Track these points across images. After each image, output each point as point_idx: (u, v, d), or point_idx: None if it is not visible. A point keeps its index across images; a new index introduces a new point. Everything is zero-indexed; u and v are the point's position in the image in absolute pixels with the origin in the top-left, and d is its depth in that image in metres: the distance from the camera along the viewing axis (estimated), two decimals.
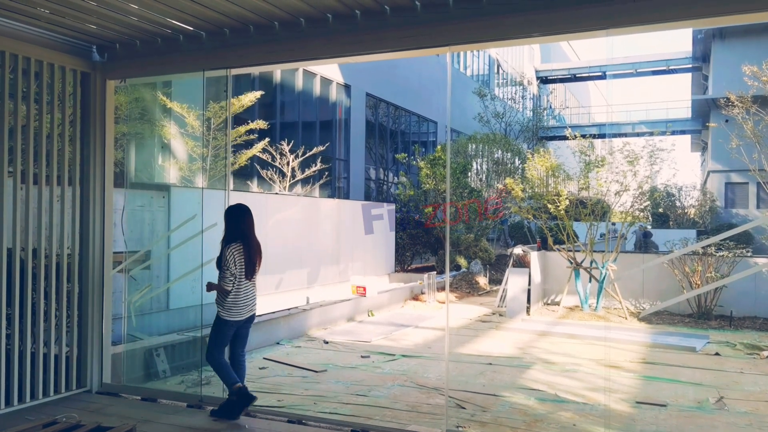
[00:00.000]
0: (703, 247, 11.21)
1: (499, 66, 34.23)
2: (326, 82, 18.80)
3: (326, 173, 16.78)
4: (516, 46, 33.18)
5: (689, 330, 10.66)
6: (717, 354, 8.81)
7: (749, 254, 11.61)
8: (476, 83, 29.33)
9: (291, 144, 14.63)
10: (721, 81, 26.38)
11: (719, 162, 27.11)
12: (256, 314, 5.74)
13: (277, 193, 13.13)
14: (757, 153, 12.38)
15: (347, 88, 19.68)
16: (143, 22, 5.45)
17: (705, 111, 30.09)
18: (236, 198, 9.96)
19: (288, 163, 14.48)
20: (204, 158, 10.57)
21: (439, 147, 18.97)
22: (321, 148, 15.57)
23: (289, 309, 10.16)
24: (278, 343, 9.22)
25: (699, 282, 11.32)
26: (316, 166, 15.01)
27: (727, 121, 13.04)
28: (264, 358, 8.24)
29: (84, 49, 6.08)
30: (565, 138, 25.77)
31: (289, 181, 14.54)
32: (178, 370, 7.32)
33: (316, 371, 7.55)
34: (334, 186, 19.12)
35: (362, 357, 8.45)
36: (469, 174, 18.34)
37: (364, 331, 10.35)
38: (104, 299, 6.14)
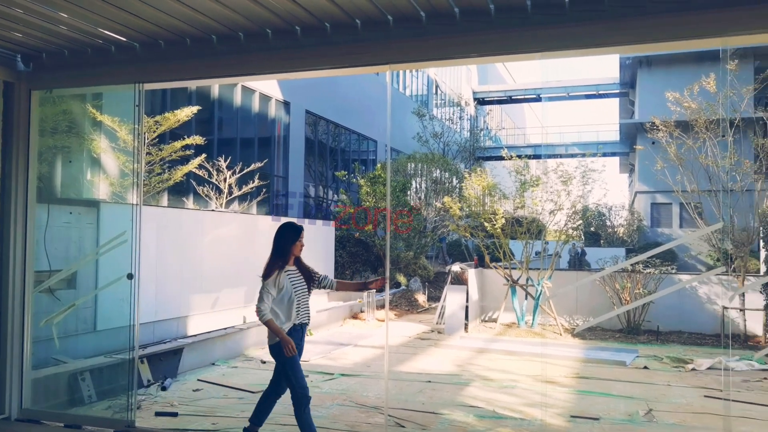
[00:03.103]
0: (631, 265, 11.61)
1: (437, 87, 34.82)
2: (265, 98, 18.63)
3: (264, 190, 16.55)
4: (455, 66, 33.88)
5: (620, 345, 10.99)
6: (646, 367, 9.10)
7: (674, 271, 12.11)
8: (415, 103, 29.71)
9: (228, 160, 14.38)
10: (647, 106, 27.67)
11: (645, 183, 28.31)
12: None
13: (213, 210, 12.84)
14: (680, 175, 12.97)
15: (287, 105, 19.56)
16: (73, 31, 5.25)
17: (632, 134, 31.44)
18: (170, 214, 9.68)
19: (225, 180, 14.21)
20: (137, 173, 10.23)
21: (379, 165, 19.06)
22: (259, 164, 15.37)
23: (225, 329, 9.91)
24: (214, 364, 8.96)
25: (628, 298, 11.71)
26: (253, 182, 14.78)
27: (653, 143, 13.61)
28: (198, 380, 7.98)
29: (8, 58, 5.81)
30: (501, 158, 26.37)
31: (226, 197, 14.26)
32: (105, 395, 6.98)
33: (253, 392, 7.36)
34: (273, 203, 18.88)
35: None
36: (409, 192, 18.47)
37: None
38: (25, 320, 5.81)
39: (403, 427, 6.04)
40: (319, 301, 13.59)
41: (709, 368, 9.00)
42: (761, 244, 11.06)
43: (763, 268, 11.14)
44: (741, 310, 11.32)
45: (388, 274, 6.05)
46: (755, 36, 4.64)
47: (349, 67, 5.57)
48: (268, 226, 12.63)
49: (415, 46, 5.13)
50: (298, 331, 4.95)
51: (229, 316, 10.85)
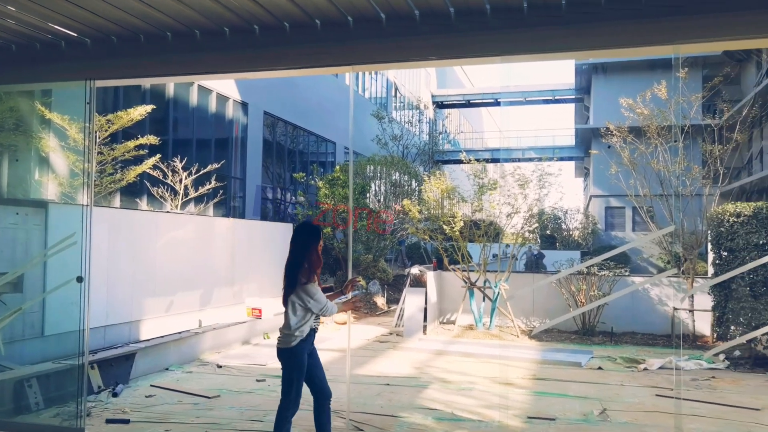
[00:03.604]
0: (587, 267, 11.83)
1: (396, 89, 34.91)
2: (223, 98, 18.36)
3: (221, 192, 16.29)
4: (415, 68, 34.02)
5: (575, 346, 11.18)
6: (600, 368, 9.28)
7: (627, 273, 12.39)
8: (374, 106, 29.72)
9: (184, 161, 14.10)
10: (601, 111, 28.30)
11: (600, 187, 28.94)
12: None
13: (168, 212, 12.57)
14: (633, 179, 13.28)
15: (244, 105, 19.31)
16: (21, 25, 5.06)
17: (587, 139, 32.11)
18: (122, 215, 9.44)
19: (181, 181, 13.93)
20: (87, 173, 9.94)
21: (337, 167, 18.97)
22: (216, 165, 15.13)
23: (180, 333, 9.70)
24: (168, 369, 8.75)
25: (583, 300, 11.93)
26: (210, 184, 14.54)
27: (609, 146, 13.88)
28: (152, 386, 7.78)
29: None
30: (459, 162, 26.55)
31: (182, 199, 13.98)
32: (54, 402, 6.75)
33: (208, 397, 7.22)
34: (230, 205, 18.60)
35: (258, 381, 8.18)
36: (368, 195, 18.43)
37: (260, 354, 10.05)
38: None
39: (362, 430, 6.01)
40: (276, 304, 13.43)
41: (660, 368, 9.23)
42: (709, 247, 11.39)
43: (711, 271, 11.49)
44: (690, 311, 11.65)
45: (350, 273, 6.01)
46: (705, 44, 4.77)
47: (309, 68, 5.52)
48: (225, 228, 12.43)
49: (375, 48, 5.13)
50: (311, 336, 4.80)
51: (184, 320, 10.63)
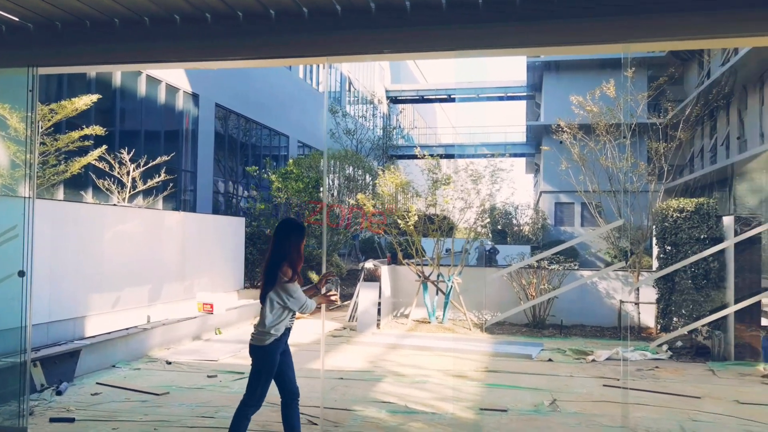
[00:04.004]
0: (537, 261, 12.06)
1: (350, 84, 34.81)
2: (172, 89, 17.93)
3: (171, 185, 15.93)
4: (369, 61, 33.96)
5: (526, 339, 11.38)
6: (550, 360, 9.47)
7: (576, 267, 12.68)
8: (328, 99, 29.57)
9: (132, 153, 13.73)
10: (552, 109, 28.88)
11: (550, 183, 29.54)
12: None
13: (115, 205, 12.22)
14: (583, 175, 13.59)
15: (195, 97, 18.92)
16: None
17: (538, 136, 32.72)
18: (67, 208, 9.13)
19: (128, 173, 13.55)
20: (29, 165, 9.56)
21: (291, 161, 18.81)
22: (165, 158, 14.76)
23: (127, 329, 9.46)
24: (115, 366, 8.52)
25: (534, 293, 12.16)
26: (159, 177, 14.19)
27: (561, 143, 14.16)
28: (98, 383, 7.56)
29: None
30: (413, 157, 26.68)
31: (129, 192, 13.61)
32: None
33: (157, 394, 7.05)
34: (180, 198, 18.23)
35: (209, 377, 8.04)
36: (321, 189, 18.33)
37: (212, 349, 9.89)
38: None
39: (316, 424, 5.97)
40: (228, 299, 13.25)
41: (607, 359, 9.48)
42: (654, 241, 11.76)
43: (655, 264, 11.86)
44: (636, 303, 12.01)
45: (324, 267, 5.96)
46: (653, 44, 4.90)
47: (262, 59, 5.44)
48: (175, 222, 12.17)
49: (330, 40, 5.07)
50: (286, 334, 4.70)
51: (131, 316, 10.38)
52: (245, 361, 9.04)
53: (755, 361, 9.14)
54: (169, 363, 8.81)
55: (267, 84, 23.72)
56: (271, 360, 4.54)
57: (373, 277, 12.80)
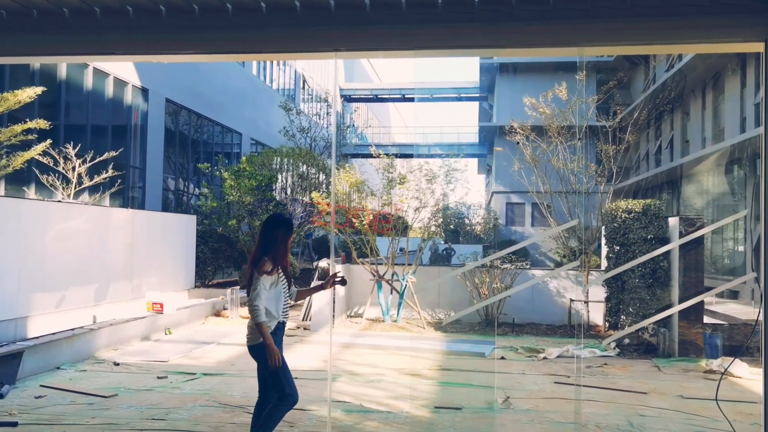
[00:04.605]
0: (490, 261, 12.21)
1: (305, 81, 34.56)
2: (121, 83, 17.43)
3: (119, 182, 15.50)
4: (324, 59, 33.74)
5: (479, 337, 11.51)
6: (503, 358, 9.60)
7: (528, 267, 12.89)
8: (282, 97, 29.28)
9: (78, 148, 13.29)
10: (504, 110, 29.31)
11: (501, 184, 29.98)
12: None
13: (60, 201, 11.81)
14: (535, 176, 13.83)
15: (145, 92, 18.44)
16: None
17: (490, 137, 33.16)
18: (7, 204, 8.77)
19: (74, 169, 13.11)
20: None
21: (244, 158, 18.54)
22: (113, 153, 14.35)
23: (72, 329, 9.15)
24: (59, 368, 8.23)
25: (486, 292, 12.30)
26: (107, 173, 13.78)
27: (518, 143, 14.35)
28: (42, 386, 7.29)
29: None
30: (368, 156, 26.67)
31: (75, 188, 13.17)
32: None
33: (104, 396, 6.84)
34: (128, 195, 17.75)
35: (159, 378, 7.85)
36: (274, 187, 18.11)
37: (161, 350, 9.66)
38: None
39: None
40: (179, 298, 12.97)
41: (558, 356, 9.67)
42: (603, 241, 12.06)
43: (604, 264, 12.17)
44: (585, 302, 12.29)
45: (332, 260, 5.85)
46: (607, 48, 5.01)
47: (217, 54, 5.32)
48: (123, 219, 11.84)
49: (289, 36, 5.00)
50: (280, 330, 4.59)
51: (77, 316, 10.05)
52: (197, 362, 8.88)
53: (698, 358, 9.48)
54: (117, 364, 8.57)
55: (219, 80, 23.32)
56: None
57: (327, 276, 12.71)
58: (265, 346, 4.39)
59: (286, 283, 4.67)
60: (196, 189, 21.83)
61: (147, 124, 18.56)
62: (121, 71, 17.22)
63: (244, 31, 4.97)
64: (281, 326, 4.61)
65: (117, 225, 11.59)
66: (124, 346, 9.84)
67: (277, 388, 4.51)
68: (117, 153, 14.72)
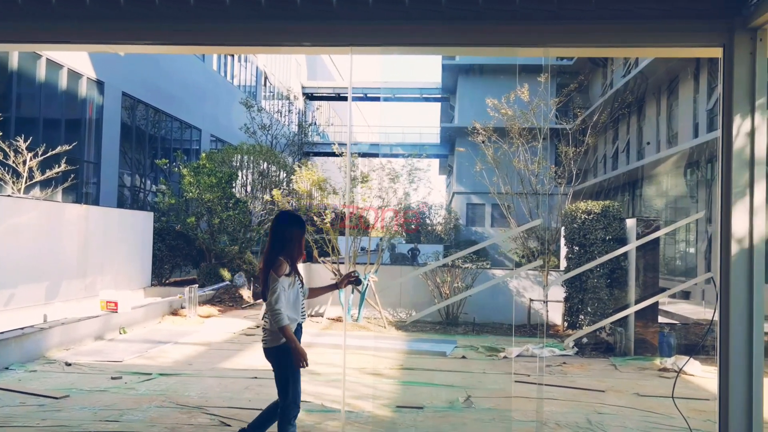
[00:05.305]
0: (452, 261, 12.27)
1: (266, 79, 34.19)
2: (75, 75, 16.92)
3: (72, 176, 15.04)
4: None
5: (440, 336, 11.54)
6: (464, 357, 9.64)
7: (489, 266, 13.00)
8: (243, 93, 28.90)
9: (29, 141, 12.84)
10: (466, 111, 29.52)
11: (462, 185, 30.19)
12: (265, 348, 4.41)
13: (9, 196, 11.38)
14: (496, 177, 13.94)
15: (100, 84, 17.95)
16: None
17: (452, 138, 33.36)
18: None
19: (24, 162, 12.67)
20: None
21: (203, 154, 18.22)
22: (66, 147, 13.91)
23: (22, 328, 8.81)
24: (8, 369, 7.92)
25: (448, 292, 12.35)
26: (59, 167, 13.35)
27: (484, 142, 14.43)
28: None
29: None
30: (330, 154, 26.51)
31: (26, 182, 12.73)
32: None
33: (56, 398, 6.60)
34: (82, 191, 17.25)
35: (113, 378, 7.62)
36: (234, 184, 17.84)
37: (116, 349, 9.39)
38: None
39: (229, 426, 5.77)
40: (134, 296, 12.65)
41: (518, 356, 9.76)
42: (562, 242, 12.24)
43: (563, 264, 12.35)
44: (544, 302, 12.45)
45: (348, 266, 5.73)
46: (572, 49, 5.06)
47: (176, 46, 5.17)
48: (76, 215, 11.49)
49: (251, 28, 4.90)
50: (299, 330, 4.43)
51: (27, 315, 9.70)
52: (152, 362, 8.66)
53: (653, 356, 9.69)
54: (69, 364, 8.29)
55: (179, 75, 22.87)
56: (289, 357, 4.27)
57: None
58: (288, 349, 4.23)
59: (301, 283, 4.55)
60: (154, 185, 21.36)
61: (102, 117, 18.07)
62: (75, 63, 16.72)
63: (206, 22, 4.84)
64: (300, 327, 4.48)
65: (70, 221, 11.24)
66: (77, 345, 9.54)
67: (282, 393, 4.35)
68: (70, 147, 14.28)
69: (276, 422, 4.43)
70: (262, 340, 4.42)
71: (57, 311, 10.41)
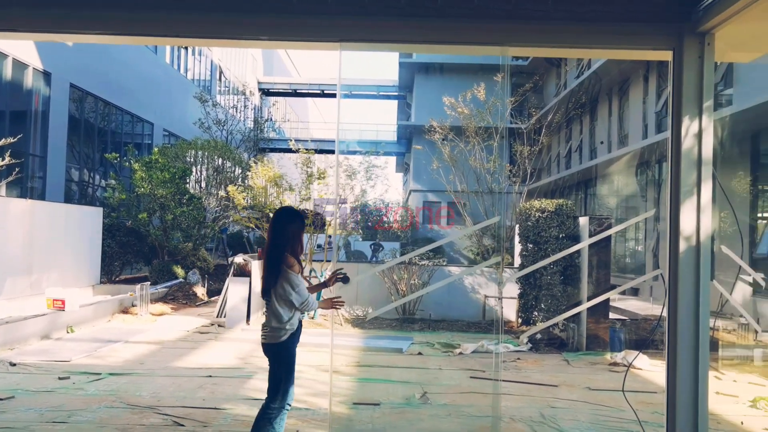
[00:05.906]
0: (410, 259, 12.32)
1: (221, 73, 33.67)
2: (20, 65, 16.31)
3: (17, 170, 14.50)
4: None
5: (396, 333, 11.57)
6: (420, 353, 9.69)
7: (445, 263, 13.10)
8: (198, 88, 28.39)
9: None
10: (423, 109, 29.67)
11: (419, 182, 30.36)
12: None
13: None
14: (453, 175, 14.06)
15: (47, 75, 17.35)
16: None
17: (408, 135, 33.49)
18: None
19: None
20: None
21: (156, 149, 17.82)
22: (11, 140, 13.39)
23: None
24: None
25: (405, 289, 12.39)
26: (3, 160, 12.85)
27: (444, 139, 14.49)
28: None
29: None
30: (286, 150, 26.28)
31: None
32: None
33: (0, 399, 6.36)
34: (27, 185, 16.66)
35: (60, 378, 7.38)
36: (188, 180, 17.51)
37: (63, 349, 9.11)
38: None
39: (183, 425, 5.65)
40: (82, 294, 12.29)
41: (473, 352, 9.86)
42: (517, 239, 12.42)
43: (518, 261, 12.53)
44: (499, 298, 12.62)
45: (335, 259, 5.61)
46: (530, 49, 5.13)
47: (128, 36, 5.02)
48: (20, 210, 11.09)
49: (203, 20, 4.80)
50: (300, 329, 4.35)
51: None
52: (102, 361, 8.43)
53: (604, 351, 9.93)
54: (14, 364, 7.99)
55: (130, 67, 22.29)
56: (289, 355, 4.24)
57: (243, 272, 12.40)
58: (287, 346, 4.26)
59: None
60: (103, 180, 20.79)
61: (49, 109, 17.48)
62: (21, 53, 16.12)
63: (160, 11, 4.71)
64: (300, 324, 4.42)
65: (14, 216, 10.84)
66: (22, 345, 9.21)
67: (273, 390, 4.25)
68: (15, 139, 13.74)
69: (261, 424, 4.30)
70: (262, 336, 4.36)
71: (1, 309, 10.02)
